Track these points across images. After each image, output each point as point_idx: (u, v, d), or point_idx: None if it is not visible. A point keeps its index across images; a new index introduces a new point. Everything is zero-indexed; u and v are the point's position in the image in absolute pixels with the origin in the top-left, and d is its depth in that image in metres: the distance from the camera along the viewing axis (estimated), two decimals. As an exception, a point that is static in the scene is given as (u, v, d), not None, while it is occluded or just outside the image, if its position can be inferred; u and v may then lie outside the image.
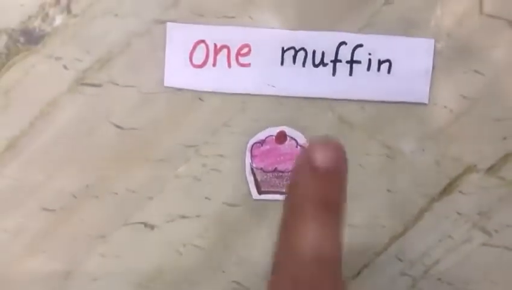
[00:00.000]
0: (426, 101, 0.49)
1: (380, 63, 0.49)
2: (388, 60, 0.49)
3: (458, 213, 0.50)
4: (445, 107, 0.49)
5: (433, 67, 0.49)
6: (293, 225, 0.29)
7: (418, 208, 0.50)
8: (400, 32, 0.49)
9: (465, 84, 0.49)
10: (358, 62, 0.49)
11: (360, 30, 0.49)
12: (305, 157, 0.28)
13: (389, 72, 0.49)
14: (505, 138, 0.49)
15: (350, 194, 0.50)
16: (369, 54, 0.49)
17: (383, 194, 0.49)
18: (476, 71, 0.49)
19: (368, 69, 0.49)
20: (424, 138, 0.49)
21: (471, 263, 0.50)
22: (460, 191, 0.50)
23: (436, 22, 0.49)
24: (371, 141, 0.49)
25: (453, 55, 0.49)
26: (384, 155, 0.49)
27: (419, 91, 0.49)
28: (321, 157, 0.27)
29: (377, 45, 0.49)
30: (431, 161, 0.49)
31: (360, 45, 0.49)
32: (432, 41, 0.49)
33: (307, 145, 0.34)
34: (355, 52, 0.49)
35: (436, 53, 0.49)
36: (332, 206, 0.29)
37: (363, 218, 0.50)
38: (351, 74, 0.49)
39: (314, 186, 0.28)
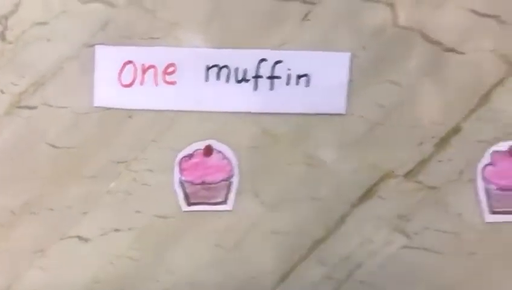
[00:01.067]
0: (344, 112, 0.52)
1: (298, 77, 0.52)
2: (306, 74, 0.52)
3: (378, 217, 0.52)
4: (362, 116, 0.52)
5: (350, 79, 0.52)
6: None
7: (340, 214, 0.52)
8: (317, 48, 0.52)
9: (381, 94, 0.52)
10: (278, 77, 0.52)
11: (279, 47, 0.52)
12: None
13: (307, 85, 0.52)
14: (420, 144, 0.52)
15: (275, 202, 0.53)
16: (288, 69, 0.52)
17: (306, 201, 0.52)
18: (391, 81, 0.52)
19: (288, 83, 0.52)
20: (344, 147, 0.52)
21: (393, 265, 0.52)
22: (379, 196, 0.52)
23: (351, 35, 0.52)
24: (294, 151, 0.52)
25: (369, 67, 0.52)
26: (307, 164, 0.52)
27: (336, 102, 0.52)
28: None
29: (295, 61, 0.52)
30: (351, 168, 0.52)
31: (280, 61, 0.52)
32: (348, 54, 0.52)
33: None
34: (275, 68, 0.52)
35: (352, 65, 0.52)
36: None
37: (287, 225, 0.52)
38: (271, 88, 0.52)
39: None
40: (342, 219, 0.52)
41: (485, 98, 0.52)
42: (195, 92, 0.52)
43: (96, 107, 0.51)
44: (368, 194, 0.52)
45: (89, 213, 0.52)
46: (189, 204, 0.52)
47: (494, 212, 0.52)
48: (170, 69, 0.52)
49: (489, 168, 0.52)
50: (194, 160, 0.52)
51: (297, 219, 0.52)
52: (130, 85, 0.52)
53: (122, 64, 0.52)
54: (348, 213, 0.52)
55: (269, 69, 0.52)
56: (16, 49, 0.51)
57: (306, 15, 0.52)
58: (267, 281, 0.52)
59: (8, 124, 0.52)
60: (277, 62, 0.52)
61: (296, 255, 0.52)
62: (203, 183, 0.52)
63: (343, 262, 0.52)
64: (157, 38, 0.51)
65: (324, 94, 0.52)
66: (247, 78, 0.52)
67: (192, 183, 0.52)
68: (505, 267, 0.52)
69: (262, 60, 0.52)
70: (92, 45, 0.51)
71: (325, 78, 0.52)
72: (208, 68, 0.52)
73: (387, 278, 0.52)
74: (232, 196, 0.52)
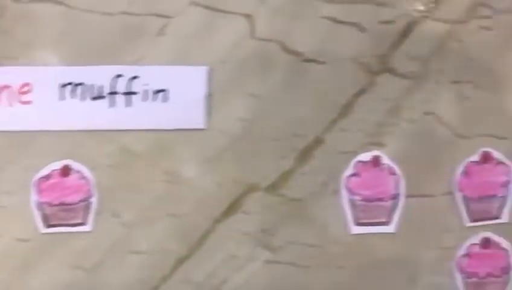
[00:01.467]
0: (203, 126, 0.51)
1: (156, 92, 0.51)
2: (164, 90, 0.51)
3: (242, 232, 0.51)
4: (222, 130, 0.51)
5: (210, 93, 0.51)
6: None
7: (202, 231, 0.51)
8: (175, 62, 0.51)
9: (241, 107, 0.51)
10: (135, 93, 0.51)
11: (135, 62, 0.51)
12: None
13: (165, 101, 0.51)
14: (282, 157, 0.51)
15: (135, 221, 0.52)
16: (145, 84, 0.51)
17: (167, 219, 0.51)
18: (251, 94, 0.51)
19: (145, 99, 0.51)
20: (205, 162, 0.51)
21: (258, 280, 0.51)
22: (243, 211, 0.51)
23: (210, 49, 0.51)
24: (154, 168, 0.51)
25: (228, 80, 0.51)
26: (167, 181, 0.51)
27: (195, 117, 0.51)
28: None
29: (152, 76, 0.51)
30: (213, 183, 0.51)
31: (136, 77, 0.51)
32: (205, 68, 0.51)
33: None
34: (132, 83, 0.51)
35: (211, 79, 0.51)
36: None
37: (148, 244, 0.51)
38: (128, 105, 0.51)
39: None
40: (205, 236, 0.51)
41: (347, 108, 0.51)
42: (50, 111, 0.50)
43: None
44: (231, 209, 0.51)
45: None
46: (48, 226, 0.51)
47: (359, 224, 0.51)
48: (25, 89, 0.51)
49: (353, 178, 0.51)
50: (51, 181, 0.51)
51: (159, 237, 0.51)
52: (-17, 106, 0.51)
53: (-24, 86, 0.50)
54: (211, 229, 0.51)
55: (125, 85, 0.50)
56: None
57: (162, 29, 0.51)
58: (132, 301, 0.51)
59: None
60: (133, 78, 0.51)
61: (159, 274, 0.51)
62: (61, 204, 0.51)
63: (208, 279, 0.51)
64: (14, 58, 0.50)
65: (183, 109, 0.51)
66: (103, 94, 0.51)
67: (50, 204, 0.51)
68: (371, 279, 0.51)
69: (118, 76, 0.51)
70: None
71: (182, 93, 0.51)
72: (63, 86, 0.50)
73: (253, 294, 0.51)
74: (91, 217, 0.50)
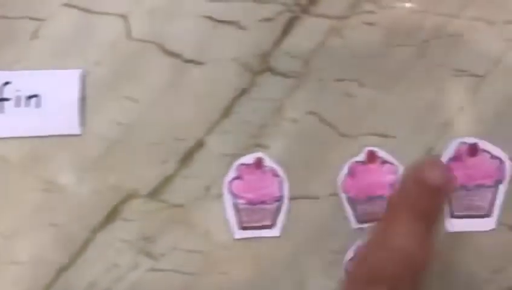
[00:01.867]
0: (79, 132, 0.49)
1: (28, 98, 0.49)
2: (36, 95, 0.49)
3: (123, 240, 0.50)
4: (100, 136, 0.49)
5: (86, 97, 0.49)
6: (387, 224, 0.36)
7: (82, 240, 0.49)
8: (48, 66, 0.49)
9: (118, 111, 0.49)
10: (8, 99, 0.49)
11: (8, 67, 0.49)
12: (416, 171, 0.35)
13: (38, 106, 0.49)
14: (163, 162, 0.50)
15: (13, 231, 0.50)
16: (17, 90, 0.49)
17: (46, 229, 0.49)
18: (129, 98, 0.49)
19: (17, 105, 0.49)
20: (82, 169, 0.49)
21: (141, 288, 0.50)
22: (123, 218, 0.49)
23: (84, 51, 0.49)
24: (30, 177, 0.49)
25: (104, 83, 0.49)
26: (44, 190, 0.49)
27: (70, 123, 0.49)
28: (433, 175, 0.34)
29: (24, 81, 0.49)
30: (91, 191, 0.49)
31: (8, 82, 0.49)
32: (78, 71, 0.49)
33: (420, 161, 0.38)
34: (4, 89, 0.49)
35: (86, 83, 0.49)
36: (428, 218, 0.36)
37: (28, 254, 0.49)
38: (1, 112, 0.49)
39: (417, 197, 0.35)
40: (85, 245, 0.49)
41: (228, 109, 0.50)
42: None
43: None
44: (110, 217, 0.49)
45: None
46: None
47: (243, 228, 0.50)
48: None
49: (236, 182, 0.50)
50: None
51: (39, 247, 0.49)
52: None
53: None
54: (91, 238, 0.49)
55: (-3, 91, 0.49)
56: None
57: (34, 32, 0.49)
58: (11, 314, 0.50)
59: None
60: (5, 83, 0.49)
61: (40, 284, 0.49)
62: None
63: (89, 288, 0.49)
64: None
65: (57, 115, 0.49)
66: (-26, 102, 0.49)
67: None
68: (257, 284, 0.50)
69: (-10, 82, 0.49)
70: None
71: (56, 97, 0.49)
72: None
73: (135, 304, 0.50)
74: (-34, 228, 0.49)
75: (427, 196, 0.35)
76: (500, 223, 0.50)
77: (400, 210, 0.36)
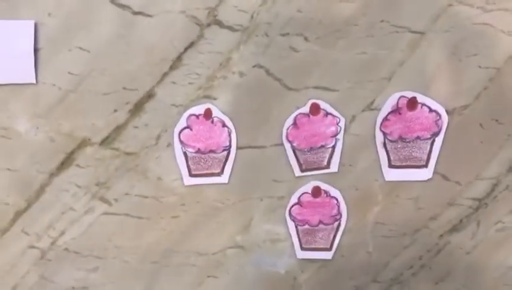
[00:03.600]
0: (34, 81, 0.51)
1: (-17, 47, 0.50)
2: (-9, 45, 0.50)
3: (77, 186, 0.52)
4: (54, 85, 0.51)
5: (39, 48, 0.50)
6: None
7: (39, 184, 0.52)
8: (2, 17, 0.50)
9: (71, 61, 0.51)
10: (-39, 49, 0.50)
11: (-38, 16, 0.50)
12: None
13: (-7, 55, 0.50)
14: (115, 111, 0.52)
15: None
16: (-29, 39, 0.50)
17: (3, 173, 0.52)
18: (80, 48, 0.51)
19: (-28, 54, 0.50)
20: (37, 117, 0.51)
21: (95, 231, 0.53)
22: (77, 165, 0.52)
23: (36, 2, 0.50)
24: (-14, 123, 0.51)
25: (57, 34, 0.50)
26: (1, 136, 0.51)
27: (25, 72, 0.51)
28: None
29: (-22, 30, 0.50)
30: (46, 138, 0.51)
31: (-38, 31, 0.50)
32: (32, 22, 0.50)
33: None
34: (-42, 39, 0.50)
35: (39, 34, 0.50)
36: None
37: (-14, 198, 0.52)
38: (-44, 60, 0.50)
39: None
40: (42, 189, 0.52)
41: (178, 61, 0.51)
42: None
43: None
44: (65, 163, 0.52)
45: None
46: None
47: (193, 175, 0.53)
48: None
49: (186, 131, 0.52)
50: None
51: (-4, 191, 0.52)
52: None
53: None
54: (48, 183, 0.52)
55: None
56: None
57: (-13, -18, 0.50)
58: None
59: None
60: (-40, 33, 0.50)
61: (-2, 227, 0.52)
62: None
63: (46, 231, 0.52)
64: None
65: (12, 64, 0.50)
66: None
67: None
68: (206, 227, 0.53)
69: None
70: None
71: (11, 47, 0.50)
72: None
73: (91, 244, 0.53)
74: None
75: None
76: (435, 173, 0.53)
77: None
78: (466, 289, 0.56)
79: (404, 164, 0.53)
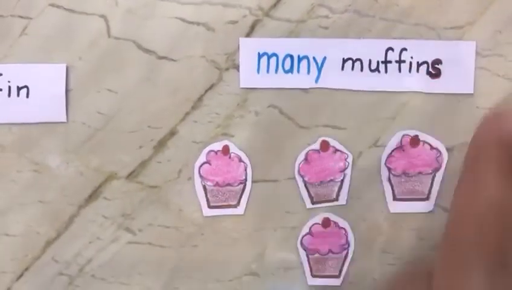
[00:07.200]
0: (65, 120, 0.55)
1: (18, 89, 0.55)
2: (26, 86, 0.55)
3: (104, 217, 0.56)
4: (83, 123, 0.55)
5: (71, 89, 0.55)
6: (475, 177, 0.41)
7: (68, 215, 0.56)
8: (35, 60, 0.54)
9: (100, 101, 0.55)
10: (0, 90, 0.55)
11: (0, 61, 0.54)
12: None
13: (27, 96, 0.55)
14: (140, 147, 0.56)
15: (6, 207, 0.56)
16: (9, 81, 0.54)
17: (36, 205, 0.56)
18: (109, 90, 0.55)
19: (9, 95, 0.55)
20: (68, 153, 0.55)
21: (120, 259, 0.57)
22: (104, 197, 0.56)
23: (69, 48, 0.54)
24: (21, 159, 0.55)
25: (87, 76, 0.55)
26: (34, 171, 0.55)
27: (57, 111, 0.55)
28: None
29: (15, 73, 0.54)
30: (75, 172, 0.56)
31: (0, 74, 0.54)
32: (64, 65, 0.54)
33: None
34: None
35: (70, 76, 0.55)
36: None
37: (19, 228, 0.56)
38: (-6, 101, 0.55)
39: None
40: (71, 220, 0.56)
41: (199, 101, 0.55)
42: None
43: None
44: (93, 195, 0.56)
45: None
46: None
47: (211, 207, 0.56)
48: None
49: (206, 166, 0.56)
50: None
51: (29, 222, 0.56)
52: None
53: None
54: (76, 214, 0.56)
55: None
56: None
57: (24, 29, 0.54)
58: (6, 278, 0.56)
59: None
60: (-2, 76, 0.55)
61: (30, 255, 0.56)
62: None
63: (75, 258, 0.56)
64: None
65: (44, 104, 0.55)
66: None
67: None
68: (223, 256, 0.57)
69: None
70: None
71: (43, 88, 0.55)
72: None
73: (116, 271, 0.57)
74: (-36, 204, 0.55)
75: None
76: (437, 205, 0.57)
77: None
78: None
79: (407, 197, 0.57)
